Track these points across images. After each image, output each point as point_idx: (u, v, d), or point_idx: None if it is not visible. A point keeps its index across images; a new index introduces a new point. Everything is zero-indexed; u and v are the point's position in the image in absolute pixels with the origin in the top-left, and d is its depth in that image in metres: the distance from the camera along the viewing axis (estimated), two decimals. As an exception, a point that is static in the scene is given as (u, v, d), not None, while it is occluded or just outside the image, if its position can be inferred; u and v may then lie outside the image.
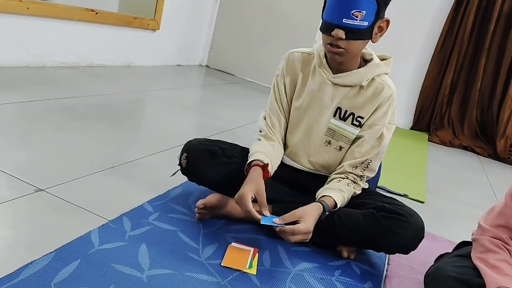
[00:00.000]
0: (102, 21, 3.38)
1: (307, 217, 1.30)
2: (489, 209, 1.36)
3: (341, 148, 1.51)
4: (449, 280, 1.21)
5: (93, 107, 2.47)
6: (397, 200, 1.48)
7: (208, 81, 4.38)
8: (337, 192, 1.41)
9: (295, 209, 1.38)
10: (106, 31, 3.49)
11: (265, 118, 1.57)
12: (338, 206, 1.40)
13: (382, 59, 1.51)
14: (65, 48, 3.16)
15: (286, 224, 1.29)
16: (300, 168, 1.57)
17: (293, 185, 1.58)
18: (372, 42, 1.40)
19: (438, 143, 4.13)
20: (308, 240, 1.32)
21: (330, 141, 1.51)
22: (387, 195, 1.57)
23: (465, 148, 4.12)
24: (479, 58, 4.13)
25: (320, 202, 1.36)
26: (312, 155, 1.54)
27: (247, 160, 1.46)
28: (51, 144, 1.83)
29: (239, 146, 1.62)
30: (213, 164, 1.49)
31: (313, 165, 1.56)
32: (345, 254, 1.48)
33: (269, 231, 1.48)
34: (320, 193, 1.43)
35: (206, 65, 4.99)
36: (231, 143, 1.61)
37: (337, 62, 1.43)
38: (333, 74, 1.47)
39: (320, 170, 1.56)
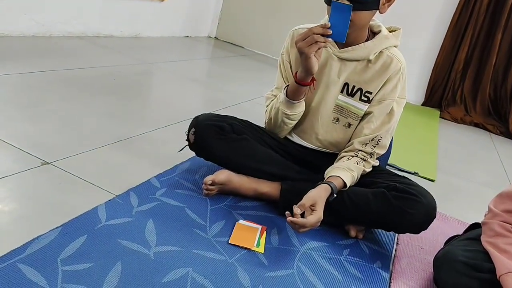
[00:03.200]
0: (109, -10, 3.32)
1: (318, 203, 1.27)
2: (499, 193, 1.33)
3: (349, 125, 1.47)
4: (458, 265, 1.19)
5: (100, 78, 2.43)
6: (409, 179, 1.45)
7: (217, 53, 4.31)
8: (346, 171, 1.38)
9: (304, 186, 1.36)
10: (113, 0, 3.42)
11: (271, 99, 1.54)
12: (348, 185, 1.37)
13: (391, 31, 1.45)
14: (72, 17, 3.11)
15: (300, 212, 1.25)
16: (309, 147, 1.54)
17: (303, 163, 1.55)
18: (380, 12, 1.34)
19: (450, 120, 4.07)
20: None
21: (338, 118, 1.47)
22: (398, 174, 1.54)
23: (477, 125, 4.06)
24: (495, 33, 4.02)
25: (329, 184, 1.33)
26: (321, 133, 1.51)
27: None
28: (58, 116, 1.80)
29: (249, 122, 1.59)
30: (221, 140, 1.46)
31: (322, 143, 1.53)
32: (352, 233, 1.46)
33: (277, 209, 1.46)
34: (328, 172, 1.41)
35: (215, 37, 4.91)
36: (240, 119, 1.57)
37: None
38: (339, 48, 1.42)
39: (329, 147, 1.53)
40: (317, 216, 1.25)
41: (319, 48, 1.27)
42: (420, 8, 4.16)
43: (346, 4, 1.23)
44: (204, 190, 1.46)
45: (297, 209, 1.24)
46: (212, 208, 1.41)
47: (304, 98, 1.43)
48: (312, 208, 1.26)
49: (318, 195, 1.29)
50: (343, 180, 1.36)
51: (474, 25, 4.08)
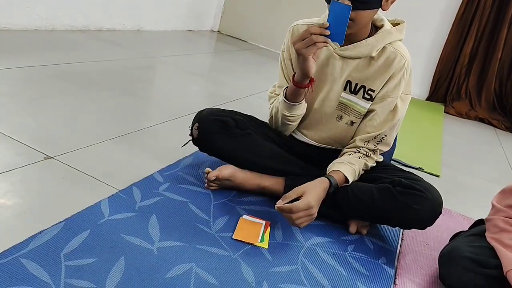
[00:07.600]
0: (112, -16, 3.30)
1: (307, 192, 1.26)
2: (502, 189, 1.33)
3: (352, 123, 1.45)
4: (464, 261, 1.18)
5: (103, 73, 2.42)
6: (414, 174, 1.43)
7: (220, 47, 4.29)
8: (346, 165, 1.37)
9: (308, 181, 1.35)
10: (116, -6, 3.40)
11: (273, 98, 1.52)
12: (350, 179, 1.36)
13: (394, 24, 1.42)
14: (74, 11, 3.09)
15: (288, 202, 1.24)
16: (313, 144, 1.52)
17: (307, 158, 1.54)
18: (383, 10, 1.31)
19: (454, 115, 4.04)
20: (314, 218, 1.26)
21: (341, 116, 1.45)
22: (403, 169, 1.52)
23: (482, 120, 4.04)
24: (501, 28, 3.99)
25: (326, 177, 1.33)
26: (324, 130, 1.49)
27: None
28: (60, 110, 1.79)
29: (253, 117, 1.58)
30: (225, 135, 1.45)
31: (325, 140, 1.51)
32: (352, 229, 1.43)
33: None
34: (329, 167, 1.40)
35: (218, 31, 4.89)
36: (244, 114, 1.56)
37: None
38: (341, 46, 1.39)
39: (333, 144, 1.52)
40: (305, 200, 1.23)
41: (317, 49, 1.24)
42: (425, 1, 4.13)
43: (346, 5, 1.18)
44: (206, 185, 1.45)
45: (280, 201, 1.24)
46: (215, 203, 1.40)
47: (303, 100, 1.41)
48: (300, 197, 1.25)
49: (309, 186, 1.28)
50: (343, 173, 1.35)
51: (479, 19, 4.04)
